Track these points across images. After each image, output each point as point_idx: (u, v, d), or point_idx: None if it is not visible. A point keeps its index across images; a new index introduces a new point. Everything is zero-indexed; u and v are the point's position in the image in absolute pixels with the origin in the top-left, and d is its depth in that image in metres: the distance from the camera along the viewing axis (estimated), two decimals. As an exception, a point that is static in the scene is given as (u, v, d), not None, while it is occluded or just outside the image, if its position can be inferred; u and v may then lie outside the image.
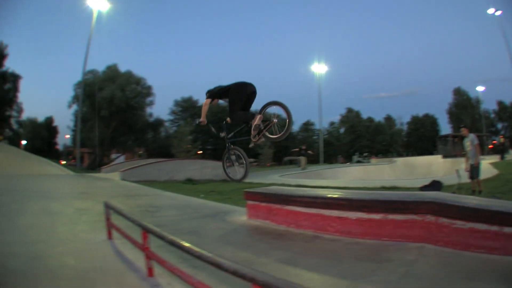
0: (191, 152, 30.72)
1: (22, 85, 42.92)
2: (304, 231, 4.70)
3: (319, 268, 3.36)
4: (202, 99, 4.42)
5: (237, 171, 4.43)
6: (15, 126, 44.31)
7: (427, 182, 8.94)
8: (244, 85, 4.41)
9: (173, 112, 52.28)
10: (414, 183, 10.10)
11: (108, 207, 4.53)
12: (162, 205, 7.75)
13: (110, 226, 4.53)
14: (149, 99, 40.11)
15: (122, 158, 38.21)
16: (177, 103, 52.63)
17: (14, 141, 40.63)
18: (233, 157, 4.38)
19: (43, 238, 4.72)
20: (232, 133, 4.43)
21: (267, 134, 3.93)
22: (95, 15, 27.97)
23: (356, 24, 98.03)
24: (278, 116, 3.96)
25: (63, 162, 39.25)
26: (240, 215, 6.09)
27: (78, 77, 48.44)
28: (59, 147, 58.48)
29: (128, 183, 13.51)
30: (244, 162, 4.22)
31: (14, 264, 3.55)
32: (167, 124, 48.72)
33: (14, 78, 42.51)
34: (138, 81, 38.82)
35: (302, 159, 23.47)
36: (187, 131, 34.22)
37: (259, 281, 1.78)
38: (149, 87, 39.64)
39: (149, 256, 3.17)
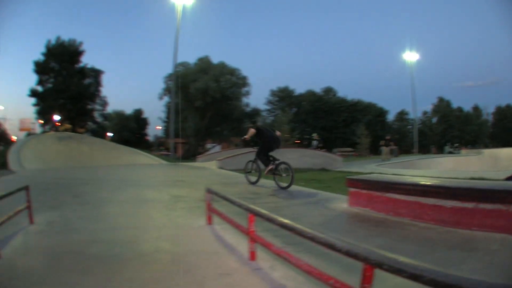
0: (289, 141, 32.06)
1: (112, 79, 48.12)
2: (401, 219, 4.99)
3: (415, 255, 3.53)
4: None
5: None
6: (99, 119, 48.66)
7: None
8: (272, 143, 8.83)
9: (269, 102, 55.64)
10: (501, 175, 10.15)
11: (210, 192, 4.95)
12: (262, 192, 8.06)
13: (210, 211, 4.93)
14: (244, 89, 41.99)
15: (217, 148, 40.80)
16: (273, 93, 55.68)
17: (98, 134, 45.07)
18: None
19: (136, 224, 5.13)
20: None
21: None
22: (180, 9, 29.51)
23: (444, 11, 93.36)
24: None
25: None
26: (341, 202, 6.37)
27: (168, 70, 52.62)
28: (150, 138, 63.32)
29: (225, 171, 14.19)
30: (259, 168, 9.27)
31: (98, 250, 3.83)
32: (264, 114, 50.87)
33: (95, 73, 46.97)
34: (232, 72, 40.97)
35: (386, 150, 24.11)
36: (284, 120, 36.04)
37: (371, 260, 1.94)
38: (244, 78, 41.64)
39: (254, 239, 3.47)
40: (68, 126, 29.67)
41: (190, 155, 36.04)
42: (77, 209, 6.13)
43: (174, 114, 32.73)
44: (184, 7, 30.74)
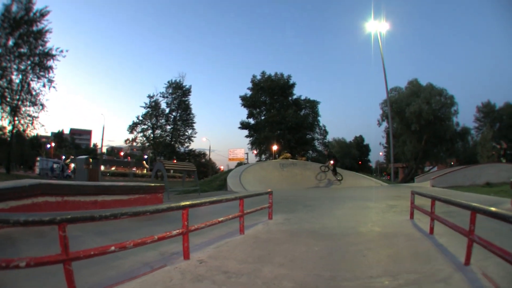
0: (491, 157, 30.17)
1: (328, 109, 52.61)
2: None
3: None
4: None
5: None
6: (319, 148, 52.56)
7: None
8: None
9: (477, 119, 51.37)
10: None
11: (413, 193, 6.91)
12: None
13: (413, 208, 6.70)
14: (453, 108, 40.37)
15: (434, 169, 40.02)
16: (479, 109, 51.19)
17: (319, 162, 49.15)
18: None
19: (356, 220, 7.21)
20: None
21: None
22: (379, 37, 31.18)
23: None
24: None
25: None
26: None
27: (382, 95, 55.13)
28: (371, 164, 66.01)
29: (436, 188, 15.76)
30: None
31: (326, 231, 5.97)
32: (472, 131, 47.37)
33: (311, 104, 51.70)
34: (440, 92, 40.08)
35: None
36: (488, 137, 32.96)
37: None
38: (451, 97, 40.05)
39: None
40: (287, 155, 34.00)
41: (409, 178, 36.31)
42: (307, 213, 8.61)
43: (393, 138, 33.41)
44: (381, 34, 31.55)
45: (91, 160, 27.95)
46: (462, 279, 3.21)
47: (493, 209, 3.24)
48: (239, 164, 45.92)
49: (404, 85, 43.47)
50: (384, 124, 43.27)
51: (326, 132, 52.59)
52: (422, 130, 38.36)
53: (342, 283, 3.25)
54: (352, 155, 58.59)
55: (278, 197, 12.79)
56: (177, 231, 4.10)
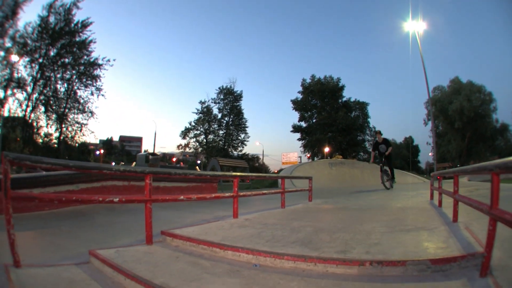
0: None
1: (377, 110, 52.79)
2: None
3: None
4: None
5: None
6: (369, 149, 52.52)
7: None
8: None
9: None
10: None
11: (432, 176, 8.02)
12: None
13: (433, 190, 7.61)
14: (492, 105, 39.11)
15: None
16: None
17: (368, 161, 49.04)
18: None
19: (386, 201, 8.42)
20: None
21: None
22: (417, 38, 30.83)
23: None
24: None
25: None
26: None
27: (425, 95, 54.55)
28: (421, 164, 64.86)
29: (472, 182, 15.97)
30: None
31: (357, 207, 7.39)
32: (511, 128, 45.33)
33: (360, 105, 52.09)
34: (479, 89, 39.05)
35: None
36: None
37: None
38: (490, 93, 38.85)
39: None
40: (339, 157, 34.59)
41: (453, 175, 35.14)
42: (346, 199, 9.80)
43: (438, 137, 33.19)
44: (418, 34, 30.97)
45: (150, 156, 30.57)
46: (445, 230, 4.15)
47: (470, 166, 4.00)
48: (293, 167, 47.52)
49: (446, 83, 44.13)
50: (430, 123, 42.94)
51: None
52: (464, 127, 38.41)
53: (348, 229, 4.35)
54: (403, 156, 57.54)
55: (323, 191, 14.09)
56: (229, 194, 5.55)
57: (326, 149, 48.59)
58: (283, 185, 7.56)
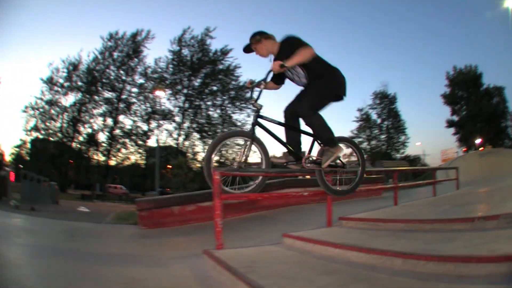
0: None
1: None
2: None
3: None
4: None
5: None
6: None
7: None
8: None
9: None
10: None
11: None
12: None
13: None
14: None
15: None
16: None
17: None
18: None
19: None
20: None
21: None
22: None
23: None
24: None
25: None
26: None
27: None
28: None
29: None
30: None
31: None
32: None
33: (498, 91, 46.52)
34: None
35: None
36: None
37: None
38: None
39: None
40: (489, 147, 31.60)
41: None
42: (485, 183, 10.28)
43: None
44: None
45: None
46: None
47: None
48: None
49: None
50: None
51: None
52: None
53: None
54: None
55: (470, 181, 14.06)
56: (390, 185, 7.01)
57: (477, 140, 46.70)
58: (433, 176, 9.01)
